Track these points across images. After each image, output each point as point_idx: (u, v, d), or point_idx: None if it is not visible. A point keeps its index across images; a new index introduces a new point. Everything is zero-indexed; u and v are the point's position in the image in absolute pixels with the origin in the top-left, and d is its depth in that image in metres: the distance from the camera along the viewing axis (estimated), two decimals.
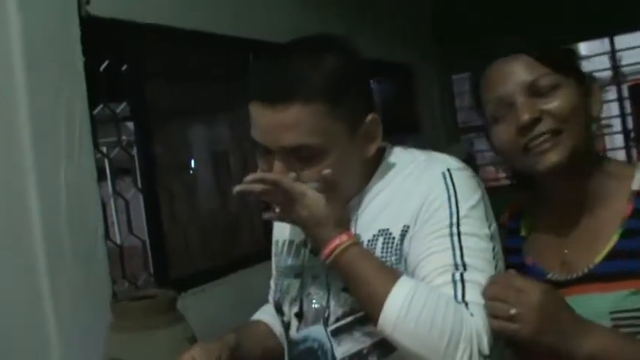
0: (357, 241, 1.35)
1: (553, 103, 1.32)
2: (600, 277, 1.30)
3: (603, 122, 9.27)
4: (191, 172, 3.45)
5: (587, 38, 7.40)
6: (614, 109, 7.16)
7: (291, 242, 1.56)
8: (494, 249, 1.32)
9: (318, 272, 1.44)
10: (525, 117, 1.31)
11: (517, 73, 1.34)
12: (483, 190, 1.39)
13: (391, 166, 1.44)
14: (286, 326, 1.52)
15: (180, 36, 3.08)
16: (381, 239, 1.37)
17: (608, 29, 5.99)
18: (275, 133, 1.33)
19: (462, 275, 1.27)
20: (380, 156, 1.46)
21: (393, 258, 1.35)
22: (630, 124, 7.53)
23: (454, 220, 1.31)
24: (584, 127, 1.34)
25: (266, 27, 3.53)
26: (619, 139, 7.26)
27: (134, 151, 3.04)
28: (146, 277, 2.94)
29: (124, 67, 2.89)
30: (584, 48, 8.86)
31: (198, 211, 3.32)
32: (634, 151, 7.16)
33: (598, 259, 1.32)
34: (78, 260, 2.43)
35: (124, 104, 3.01)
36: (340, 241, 1.33)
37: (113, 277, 2.62)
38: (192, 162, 3.45)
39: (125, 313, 2.21)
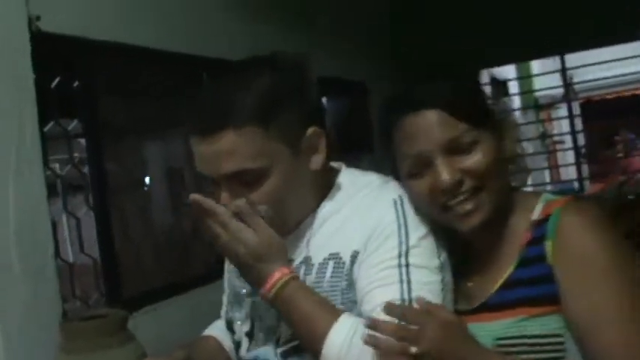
0: (297, 275, 1.36)
1: (473, 161, 1.29)
2: (491, 307, 1.31)
3: (555, 139, 9.44)
4: (145, 189, 3.42)
5: (539, 56, 7.53)
6: (565, 126, 7.29)
7: None
8: (442, 280, 1.33)
9: None
10: (446, 180, 1.28)
11: (433, 130, 1.29)
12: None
13: (345, 188, 1.44)
14: (237, 345, 1.52)
15: (132, 53, 3.06)
16: (331, 263, 1.37)
17: (560, 47, 6.09)
18: (213, 162, 1.33)
19: None
20: (334, 176, 1.45)
21: (343, 283, 1.35)
22: (581, 141, 7.68)
23: (403, 249, 1.31)
24: (503, 175, 1.34)
25: (220, 44, 3.53)
26: (570, 156, 7.38)
27: (86, 169, 3.01)
28: (97, 296, 2.90)
29: (76, 84, 2.86)
30: (536, 66, 9.02)
31: (152, 229, 3.29)
32: (584, 167, 7.29)
33: (494, 289, 1.32)
34: (27, 278, 2.38)
35: (75, 121, 2.98)
36: (281, 274, 1.34)
37: (64, 296, 2.58)
38: (146, 179, 3.42)
39: (75, 333, 2.17)
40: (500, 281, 1.32)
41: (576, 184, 7.01)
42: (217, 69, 2.98)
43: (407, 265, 1.30)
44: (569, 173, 8.86)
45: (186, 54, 3.35)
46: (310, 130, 1.37)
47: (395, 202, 1.36)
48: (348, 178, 1.46)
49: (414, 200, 1.36)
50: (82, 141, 3.04)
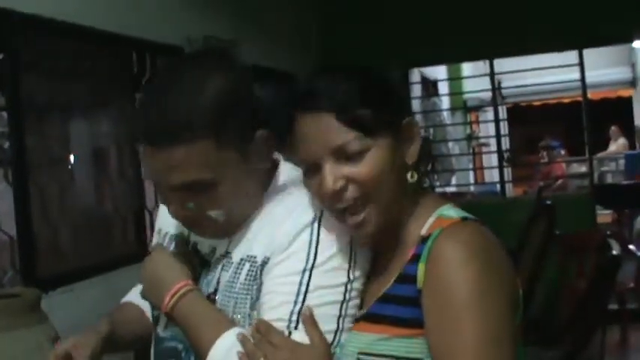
0: (194, 288, 1.37)
1: (359, 170, 1.25)
2: (367, 317, 1.29)
3: (481, 141, 9.62)
4: (67, 168, 3.37)
5: (469, 59, 7.67)
6: (491, 129, 7.43)
7: (174, 236, 1.55)
8: (344, 300, 1.30)
9: (197, 272, 1.45)
10: (329, 187, 1.26)
11: (323, 135, 1.26)
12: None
13: (279, 188, 1.43)
14: (155, 320, 1.52)
15: (61, 29, 3.01)
16: (247, 265, 1.37)
17: (489, 52, 6.21)
18: (163, 173, 1.32)
19: (289, 334, 1.27)
20: (272, 170, 1.45)
21: (254, 286, 1.35)
22: (506, 145, 7.84)
23: (308, 265, 1.30)
24: (396, 184, 1.28)
25: (151, 26, 3.50)
26: (494, 159, 7.53)
27: (6, 144, 2.95)
28: (13, 274, 2.85)
29: (0, 57, 2.80)
30: (467, 68, 9.18)
31: (72, 208, 3.24)
32: (507, 171, 7.44)
33: (373, 300, 1.30)
34: None
35: None
36: (178, 287, 1.36)
37: None
38: (69, 158, 3.37)
39: None
40: (380, 293, 1.29)
41: (498, 187, 7.16)
42: (145, 50, 2.95)
43: (307, 284, 1.29)
44: (493, 176, 9.06)
45: (116, 33, 3.32)
46: (259, 134, 1.36)
47: (314, 218, 1.33)
48: (285, 176, 1.44)
49: (313, 196, 1.35)
50: (4, 115, 2.98)
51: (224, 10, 4.29)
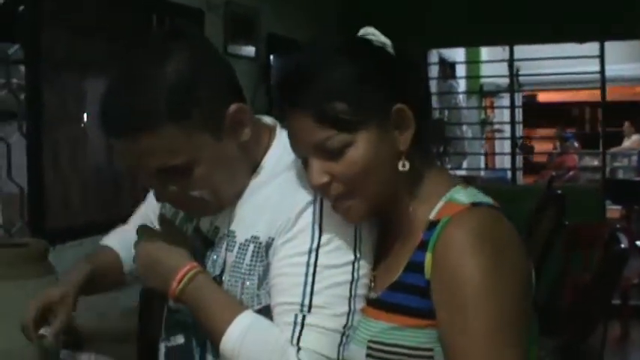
0: (200, 270, 1.35)
1: (340, 167, 1.22)
2: (378, 305, 1.27)
3: (495, 127, 9.59)
4: (81, 125, 3.36)
5: (488, 44, 7.63)
6: (506, 115, 7.40)
7: (177, 211, 1.53)
8: (353, 280, 1.28)
9: (197, 253, 1.42)
10: (315, 182, 1.24)
11: (302, 133, 1.24)
12: None
13: (276, 159, 1.39)
14: None
15: None
16: (252, 246, 1.34)
17: (509, 38, 6.17)
18: (134, 163, 1.30)
19: (303, 318, 1.25)
20: (267, 141, 1.41)
21: (260, 268, 1.33)
22: (519, 133, 7.81)
23: (314, 245, 1.28)
24: (385, 174, 1.25)
25: None
26: (507, 145, 7.51)
27: (23, 96, 2.95)
28: (21, 225, 2.86)
29: (21, 8, 2.79)
30: (485, 53, 9.12)
31: (83, 165, 3.24)
32: (519, 158, 7.43)
33: (384, 287, 1.28)
34: None
35: (17, 46, 2.92)
36: (185, 270, 1.33)
37: None
38: (84, 115, 3.36)
39: None
40: (390, 281, 1.27)
41: (509, 174, 7.14)
42: (165, 13, 2.93)
43: (314, 265, 1.27)
44: (504, 163, 9.03)
45: None
46: (232, 108, 1.31)
47: (314, 197, 1.31)
48: (277, 151, 1.40)
49: None
50: (22, 68, 2.98)
51: None
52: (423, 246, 1.22)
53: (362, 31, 1.32)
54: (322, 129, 1.21)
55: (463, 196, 1.25)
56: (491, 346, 1.14)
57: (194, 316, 1.36)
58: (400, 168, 1.25)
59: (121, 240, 1.67)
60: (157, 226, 1.56)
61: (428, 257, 1.20)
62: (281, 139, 1.39)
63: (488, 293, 1.15)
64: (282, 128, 1.40)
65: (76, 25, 3.18)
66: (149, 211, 1.65)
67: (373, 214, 1.30)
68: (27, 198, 2.85)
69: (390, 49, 1.30)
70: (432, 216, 1.24)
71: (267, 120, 1.45)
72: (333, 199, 1.26)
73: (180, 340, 1.47)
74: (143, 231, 1.47)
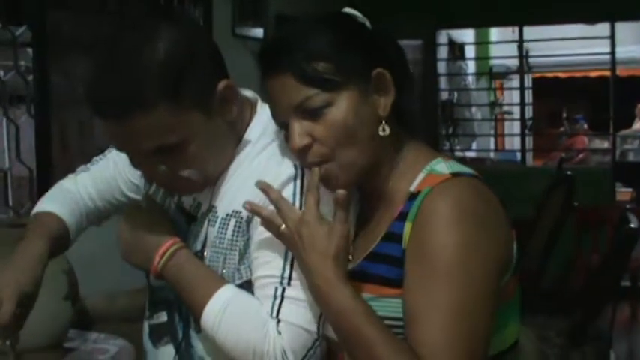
0: (182, 245, 1.35)
1: (320, 128, 1.22)
2: (355, 275, 1.25)
3: (504, 109, 9.57)
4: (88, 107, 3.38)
5: (498, 24, 7.59)
6: (515, 97, 7.38)
7: (157, 188, 1.49)
8: None
9: (179, 229, 1.41)
10: (295, 145, 1.23)
11: (283, 94, 1.24)
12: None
13: (258, 134, 1.38)
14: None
15: None
16: (233, 221, 1.34)
17: (519, 19, 6.13)
18: (126, 144, 1.29)
19: (283, 291, 1.25)
20: (248, 115, 1.40)
21: (241, 242, 1.33)
22: (529, 114, 7.79)
23: None
24: (365, 138, 1.24)
25: None
26: (517, 127, 7.49)
27: (30, 78, 2.96)
28: (30, 206, 2.87)
29: None
30: (495, 34, 9.08)
31: (91, 147, 3.25)
32: (528, 140, 7.41)
33: (361, 257, 1.27)
34: None
35: (24, 28, 2.92)
36: (166, 246, 1.33)
37: None
38: None
39: (3, 239, 2.16)
40: (367, 252, 1.26)
41: (518, 156, 7.12)
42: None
43: None
44: (514, 144, 9.01)
45: None
46: (221, 85, 1.30)
47: (295, 169, 1.30)
48: (258, 127, 1.38)
49: None
50: (30, 50, 2.98)
51: None
52: (402, 217, 1.22)
53: (343, 11, 1.33)
54: (304, 88, 1.21)
55: (444, 167, 1.24)
56: (449, 319, 1.13)
57: (176, 291, 1.36)
58: (380, 132, 1.24)
59: (65, 205, 1.56)
60: (127, 194, 1.56)
61: (407, 227, 1.20)
62: (262, 115, 1.39)
63: (459, 266, 1.14)
64: (263, 102, 1.40)
65: (83, 7, 3.18)
66: (119, 179, 1.58)
67: (353, 184, 1.29)
68: (36, 179, 2.86)
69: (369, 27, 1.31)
70: (412, 188, 1.24)
71: (248, 94, 1.44)
72: (314, 164, 1.25)
73: (163, 317, 1.46)
74: (126, 208, 1.46)
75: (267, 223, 1.25)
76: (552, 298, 3.74)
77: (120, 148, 1.32)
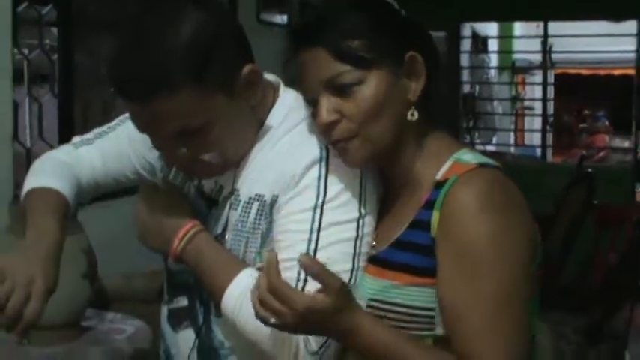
0: (202, 228, 1.33)
1: (350, 105, 1.22)
2: (379, 262, 1.26)
3: (526, 104, 9.51)
4: (112, 88, 3.39)
5: (522, 19, 7.54)
6: (537, 92, 7.33)
7: (177, 172, 1.47)
8: (358, 237, 1.27)
9: (199, 213, 1.40)
10: (322, 120, 1.23)
11: (315, 68, 1.23)
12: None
13: (281, 117, 1.37)
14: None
15: None
16: (256, 205, 1.33)
17: (544, 14, 6.09)
18: (149, 125, 1.27)
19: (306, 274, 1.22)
20: (271, 99, 1.39)
21: (264, 225, 1.32)
22: (551, 110, 7.74)
23: (319, 202, 1.26)
24: (392, 120, 1.23)
25: None
26: (537, 123, 7.44)
27: (55, 57, 2.97)
28: None
29: None
30: (518, 29, 9.02)
31: None
32: (549, 136, 7.36)
33: (387, 244, 1.26)
34: None
35: (50, 7, 2.93)
36: (186, 229, 1.32)
37: (18, 182, 2.57)
38: None
39: (24, 216, 2.16)
40: (393, 239, 1.25)
41: (538, 152, 7.07)
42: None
43: (320, 221, 1.25)
44: (533, 140, 8.95)
45: None
46: (245, 69, 1.28)
47: (320, 152, 1.29)
48: (282, 109, 1.38)
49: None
50: (55, 30, 2.99)
51: None
52: (429, 205, 1.21)
53: None
54: (336, 63, 1.21)
55: (470, 157, 1.24)
56: (495, 309, 1.14)
57: (195, 275, 1.34)
58: (409, 117, 1.24)
59: (66, 180, 1.45)
60: (140, 172, 1.52)
61: (435, 216, 1.20)
62: (285, 99, 1.38)
63: (495, 256, 1.15)
64: (286, 87, 1.40)
65: None
66: (132, 157, 1.53)
67: (373, 161, 1.28)
68: None
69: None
70: (438, 176, 1.23)
71: (271, 77, 1.42)
72: (339, 141, 1.24)
73: (183, 301, 1.45)
74: (143, 190, 1.42)
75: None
76: (570, 295, 3.72)
77: (142, 130, 1.30)
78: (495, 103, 8.32)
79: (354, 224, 1.27)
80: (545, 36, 6.45)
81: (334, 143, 1.25)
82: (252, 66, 1.31)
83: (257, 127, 1.36)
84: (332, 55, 1.21)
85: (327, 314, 1.13)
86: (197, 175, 1.40)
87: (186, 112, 1.24)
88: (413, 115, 1.24)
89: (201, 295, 1.40)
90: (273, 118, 1.37)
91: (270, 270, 1.12)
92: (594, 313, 3.33)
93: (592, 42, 6.92)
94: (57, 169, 1.47)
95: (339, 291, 1.13)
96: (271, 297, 1.12)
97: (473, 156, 1.25)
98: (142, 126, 1.30)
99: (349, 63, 1.21)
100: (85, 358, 2.06)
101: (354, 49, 1.21)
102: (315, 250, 1.25)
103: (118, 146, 1.52)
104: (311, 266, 1.11)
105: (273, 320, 1.12)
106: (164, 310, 1.50)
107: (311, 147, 1.30)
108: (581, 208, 4.09)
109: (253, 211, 1.33)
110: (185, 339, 1.44)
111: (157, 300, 1.74)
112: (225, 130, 1.29)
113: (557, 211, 4.15)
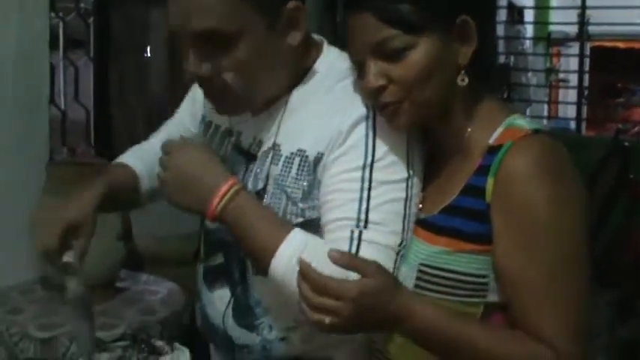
0: (242, 186, 1.29)
1: (398, 70, 1.20)
2: (429, 226, 1.24)
3: (561, 76, 9.38)
4: (146, 53, 3.39)
5: None
6: (572, 64, 7.22)
7: (217, 127, 1.49)
8: (407, 198, 1.26)
9: (237, 169, 1.39)
10: (369, 84, 1.22)
11: (363, 34, 1.21)
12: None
13: (322, 75, 1.36)
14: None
15: None
16: (297, 159, 1.31)
17: None
18: (186, 16, 1.25)
19: (360, 234, 1.21)
20: (313, 55, 1.38)
21: (305, 182, 1.30)
22: (586, 83, 7.63)
23: (368, 161, 1.25)
24: (442, 84, 1.22)
25: None
26: (572, 95, 7.35)
27: (91, 20, 2.98)
28: (85, 147, 2.91)
29: None
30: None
31: (147, 93, 3.27)
32: (584, 109, 7.26)
33: (437, 209, 1.25)
34: (19, 117, 2.40)
35: None
36: (226, 187, 1.26)
37: (53, 145, 2.59)
38: (149, 45, 3.38)
39: (60, 176, 2.19)
40: (444, 204, 1.24)
41: (572, 125, 6.99)
42: None
43: (370, 180, 1.24)
44: (567, 113, 8.84)
45: None
46: (291, 4, 1.27)
47: (367, 111, 1.27)
48: (327, 62, 1.37)
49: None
50: None
51: None
52: (482, 170, 1.20)
53: None
54: (385, 28, 1.19)
55: (523, 122, 1.23)
56: (556, 279, 1.14)
57: (235, 235, 1.30)
58: (459, 82, 1.22)
59: (138, 157, 1.58)
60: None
61: (490, 182, 1.18)
62: (328, 56, 1.37)
63: (555, 224, 1.15)
64: (330, 45, 1.39)
65: None
66: (179, 128, 1.59)
67: (416, 125, 1.27)
68: (92, 120, 2.90)
69: None
70: (491, 141, 1.22)
71: (315, 37, 1.41)
72: (387, 104, 1.23)
73: (219, 259, 1.45)
74: (171, 146, 1.34)
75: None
76: (603, 269, 3.69)
77: (176, 21, 1.27)
78: (530, 74, 8.22)
79: (404, 184, 1.26)
80: (583, 7, 6.34)
81: (381, 107, 1.24)
82: (298, 3, 1.29)
83: (292, 75, 1.35)
84: (380, 20, 1.19)
85: (380, 294, 1.11)
86: (211, 100, 1.37)
87: (221, 12, 1.23)
88: (463, 80, 1.23)
89: (239, 253, 1.39)
90: (317, 70, 1.36)
91: (309, 273, 1.10)
92: (627, 286, 3.30)
93: (630, 14, 6.78)
94: (136, 149, 1.63)
95: (379, 271, 1.12)
96: (320, 297, 1.09)
97: (526, 121, 1.23)
98: (177, 19, 1.27)
99: (398, 28, 1.19)
100: (119, 317, 2.09)
101: (404, 13, 1.19)
102: (367, 210, 1.23)
103: (175, 125, 1.62)
104: (341, 259, 1.10)
105: (328, 320, 1.09)
106: (200, 269, 1.51)
107: (356, 105, 1.29)
108: (616, 182, 4.03)
109: (295, 166, 1.31)
110: (220, 297, 1.44)
111: (190, 263, 1.75)
112: (254, 55, 1.27)
113: (591, 185, 4.10)
